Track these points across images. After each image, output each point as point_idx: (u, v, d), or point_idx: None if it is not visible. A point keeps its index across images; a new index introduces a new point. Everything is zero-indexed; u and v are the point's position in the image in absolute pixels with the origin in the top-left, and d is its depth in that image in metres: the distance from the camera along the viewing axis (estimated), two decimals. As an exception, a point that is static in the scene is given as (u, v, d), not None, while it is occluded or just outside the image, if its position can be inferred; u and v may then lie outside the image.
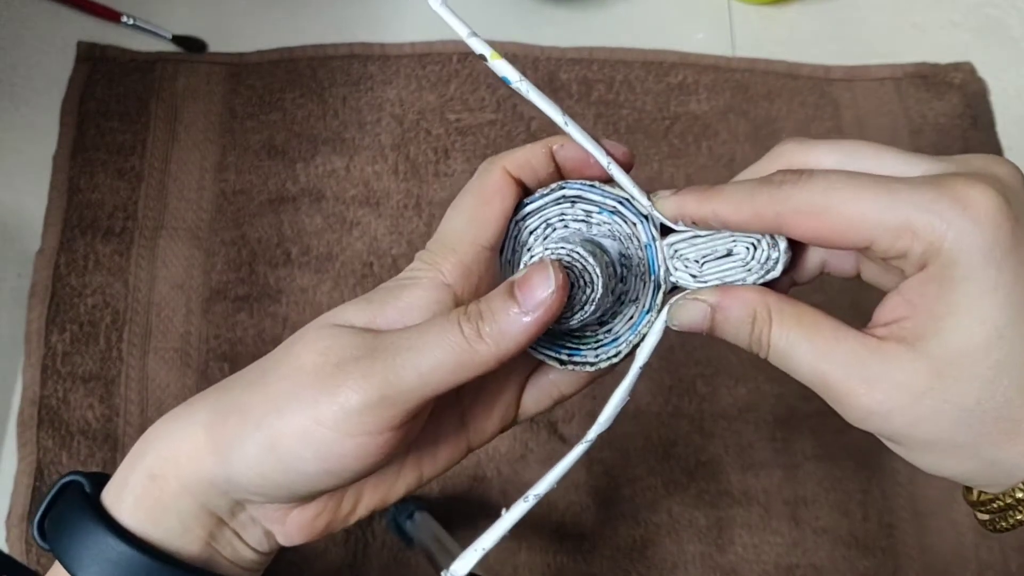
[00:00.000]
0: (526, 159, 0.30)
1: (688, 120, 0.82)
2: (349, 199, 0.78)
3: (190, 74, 0.81)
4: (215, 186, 0.78)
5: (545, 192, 0.30)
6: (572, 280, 0.27)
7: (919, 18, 0.90)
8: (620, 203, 0.30)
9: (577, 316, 0.28)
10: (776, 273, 0.28)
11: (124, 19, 0.81)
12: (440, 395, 0.27)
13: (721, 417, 0.74)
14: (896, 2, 0.90)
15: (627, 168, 0.30)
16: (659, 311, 0.30)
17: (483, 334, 0.26)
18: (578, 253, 0.28)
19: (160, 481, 0.29)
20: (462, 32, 0.29)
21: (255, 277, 0.75)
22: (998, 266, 0.23)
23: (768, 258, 0.28)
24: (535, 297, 0.26)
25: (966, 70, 0.86)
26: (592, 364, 0.30)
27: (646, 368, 0.30)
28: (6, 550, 0.65)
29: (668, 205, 0.29)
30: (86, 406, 0.70)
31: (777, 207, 0.25)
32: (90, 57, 0.80)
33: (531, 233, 0.30)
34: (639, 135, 0.82)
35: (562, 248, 0.28)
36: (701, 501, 0.72)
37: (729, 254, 0.29)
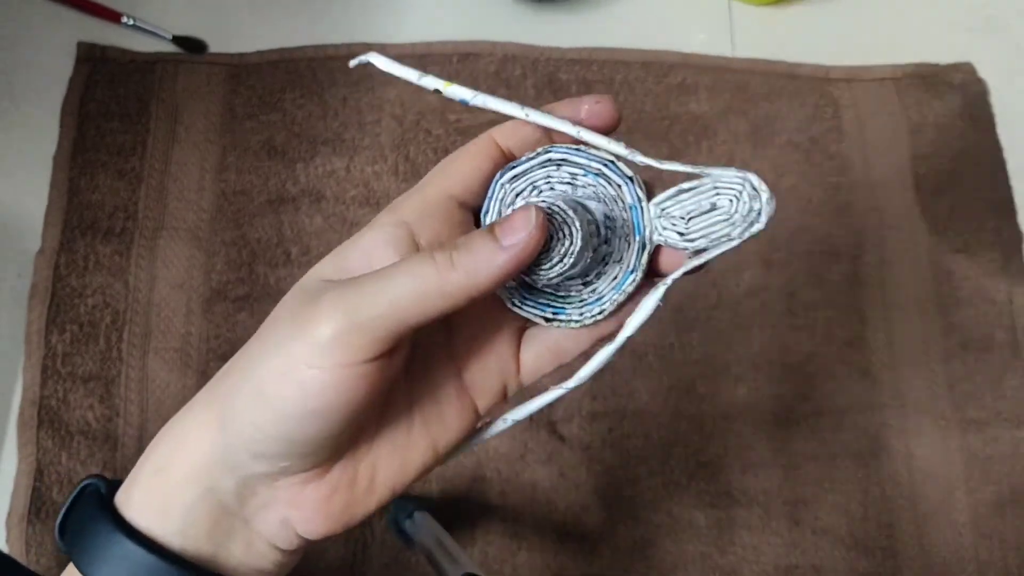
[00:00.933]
0: (514, 127, 0.30)
1: (688, 120, 0.82)
2: (349, 199, 0.78)
3: (190, 74, 0.81)
4: (215, 186, 0.78)
5: (531, 156, 0.31)
6: (551, 231, 0.28)
7: (919, 18, 0.90)
8: (605, 165, 0.30)
9: (556, 268, 0.28)
10: (761, 226, 0.28)
11: (124, 20, 0.81)
12: (416, 329, 0.27)
13: (721, 418, 0.74)
14: (896, 2, 0.90)
15: (612, 124, 0.30)
16: (643, 271, 0.30)
17: (455, 263, 0.26)
18: (558, 206, 0.28)
19: (165, 473, 0.29)
20: (411, 77, 0.30)
21: (255, 277, 0.75)
22: None
23: (751, 210, 0.28)
24: (514, 233, 0.27)
25: (966, 70, 0.86)
26: (577, 321, 0.31)
27: (634, 336, 0.30)
28: (6, 550, 0.65)
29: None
30: (86, 406, 0.70)
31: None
32: (90, 58, 0.80)
33: (518, 195, 0.31)
34: (639, 135, 0.82)
35: (544, 202, 0.29)
36: (701, 501, 0.72)
37: (713, 208, 0.29)
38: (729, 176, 0.28)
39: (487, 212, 0.31)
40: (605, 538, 0.71)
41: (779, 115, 0.83)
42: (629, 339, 0.30)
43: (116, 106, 0.79)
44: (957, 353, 0.78)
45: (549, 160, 0.31)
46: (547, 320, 0.31)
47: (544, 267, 0.29)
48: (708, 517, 0.72)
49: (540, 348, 0.33)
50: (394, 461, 0.31)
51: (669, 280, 0.29)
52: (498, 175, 0.31)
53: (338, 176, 0.78)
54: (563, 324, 0.31)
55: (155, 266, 0.75)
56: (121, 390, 0.71)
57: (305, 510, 0.29)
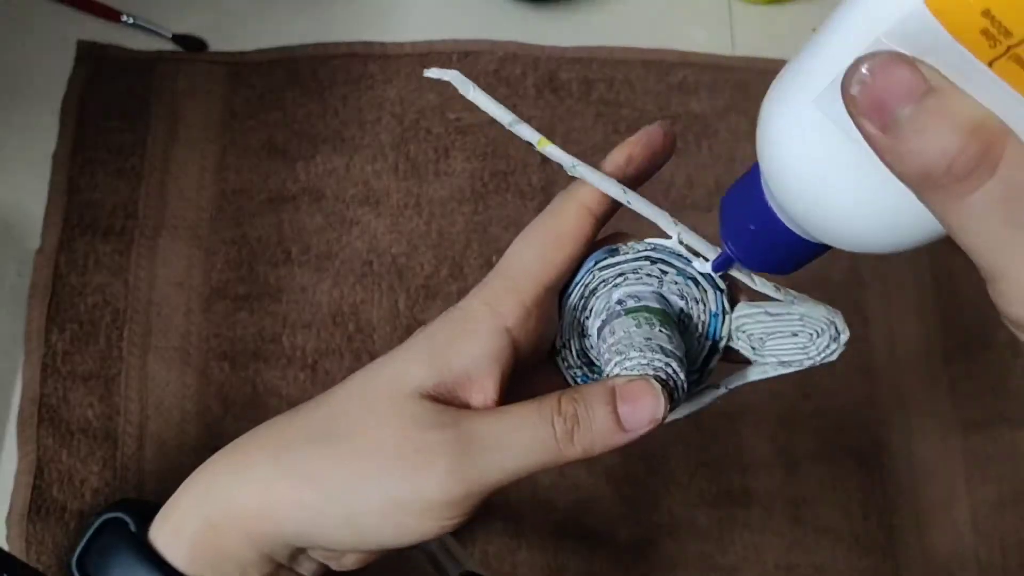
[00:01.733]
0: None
1: (688, 119, 0.82)
2: (349, 198, 0.78)
3: (190, 73, 0.81)
4: (215, 185, 0.78)
5: (630, 253, 0.30)
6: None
7: (920, 17, 0.90)
8: (703, 275, 0.30)
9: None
10: (833, 358, 0.29)
11: (124, 18, 0.81)
12: None
13: (722, 416, 0.74)
14: (897, 1, 0.90)
15: (668, 149, 0.30)
16: (707, 375, 0.31)
17: (575, 439, 0.26)
18: (672, 368, 0.27)
19: (222, 531, 0.28)
20: (504, 120, 0.30)
21: (255, 276, 0.75)
22: None
23: (827, 346, 0.29)
24: (639, 420, 0.26)
25: (967, 69, 0.86)
26: None
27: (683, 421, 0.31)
28: (6, 548, 0.65)
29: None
30: (86, 405, 0.70)
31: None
32: (90, 56, 0.80)
33: (604, 282, 0.30)
34: (639, 134, 0.82)
35: (659, 361, 0.27)
36: (702, 501, 0.72)
37: (793, 335, 0.29)
38: (818, 314, 0.29)
39: (570, 294, 0.30)
40: (605, 537, 0.71)
41: (780, 114, 0.83)
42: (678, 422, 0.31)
43: (116, 105, 0.79)
44: (958, 353, 0.78)
45: (648, 259, 0.30)
46: None
47: None
48: (708, 516, 0.72)
49: None
50: None
51: (723, 388, 0.31)
52: (592, 260, 0.30)
53: (338, 175, 0.78)
54: None
55: (155, 265, 0.75)
56: (121, 388, 0.71)
57: (345, 561, 0.30)
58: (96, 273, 0.74)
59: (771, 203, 0.25)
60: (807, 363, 0.29)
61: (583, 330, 0.30)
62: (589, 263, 0.30)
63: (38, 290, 0.73)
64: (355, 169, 0.79)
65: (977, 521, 0.73)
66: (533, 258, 0.29)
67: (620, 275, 0.30)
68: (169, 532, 0.29)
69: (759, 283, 0.29)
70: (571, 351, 0.30)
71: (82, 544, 0.29)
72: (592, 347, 0.30)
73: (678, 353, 0.28)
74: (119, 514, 0.29)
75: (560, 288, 0.30)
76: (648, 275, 0.30)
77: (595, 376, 0.31)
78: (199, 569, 0.28)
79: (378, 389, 0.27)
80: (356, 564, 0.30)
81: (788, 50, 0.96)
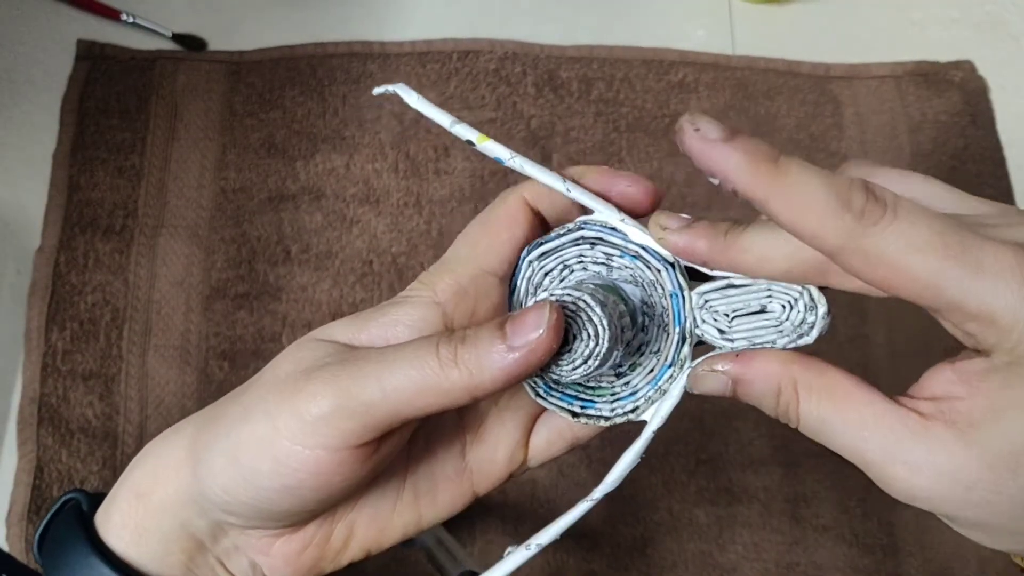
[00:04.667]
0: (546, 190, 0.28)
1: (688, 118, 0.82)
2: (349, 197, 0.78)
3: (190, 72, 0.81)
4: (215, 184, 0.78)
5: (562, 232, 0.28)
6: (575, 332, 0.25)
7: (919, 16, 0.90)
8: (644, 248, 0.28)
9: (580, 370, 0.26)
10: (810, 339, 0.26)
11: (124, 17, 0.81)
12: (409, 422, 0.25)
13: (721, 415, 0.74)
14: (896, 0, 0.90)
15: (655, 203, 0.28)
16: (682, 367, 0.28)
17: (459, 360, 0.24)
18: (585, 302, 0.25)
19: (144, 499, 0.28)
20: (444, 122, 0.28)
21: (255, 275, 0.75)
22: None
23: (803, 321, 0.26)
24: (524, 335, 0.24)
25: (966, 68, 0.86)
26: (607, 419, 0.28)
27: (661, 430, 0.28)
28: (6, 548, 0.65)
29: (674, 242, 0.26)
30: (86, 404, 0.70)
31: (842, 241, 0.22)
32: (90, 55, 0.80)
33: (547, 274, 0.29)
34: (639, 133, 0.82)
35: (569, 295, 0.26)
36: (701, 499, 0.72)
37: (762, 310, 0.26)
38: (787, 284, 0.26)
39: (515, 290, 0.29)
40: (605, 536, 0.71)
41: (779, 113, 0.83)
42: (655, 433, 0.28)
43: (116, 103, 0.79)
44: (957, 350, 0.78)
45: (582, 238, 0.28)
46: (574, 415, 0.28)
47: (565, 367, 0.26)
48: (708, 515, 0.72)
49: (553, 433, 0.30)
50: (373, 526, 0.29)
51: (695, 364, 0.27)
52: (526, 251, 0.28)
53: (338, 174, 0.78)
54: (591, 421, 0.28)
55: (155, 264, 0.75)
56: (121, 387, 0.71)
57: (274, 559, 0.28)
58: (96, 272, 0.74)
59: None
60: (781, 342, 0.26)
61: None
62: (524, 255, 0.28)
63: (38, 289, 0.73)
64: (355, 168, 0.79)
65: (977, 519, 0.73)
66: (466, 244, 0.28)
67: (563, 267, 0.28)
68: (104, 507, 0.29)
69: (719, 272, 0.27)
70: None
71: (41, 526, 0.29)
72: None
73: (600, 297, 0.26)
74: (76, 495, 0.29)
75: (506, 277, 0.28)
76: (594, 263, 0.28)
77: (559, 388, 0.28)
78: (125, 544, 0.28)
79: (298, 343, 0.28)
80: (288, 569, 0.28)
81: (788, 48, 0.96)
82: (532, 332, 0.24)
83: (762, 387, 0.25)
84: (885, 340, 0.77)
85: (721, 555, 0.71)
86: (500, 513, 0.71)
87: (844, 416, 0.24)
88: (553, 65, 0.83)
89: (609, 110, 0.82)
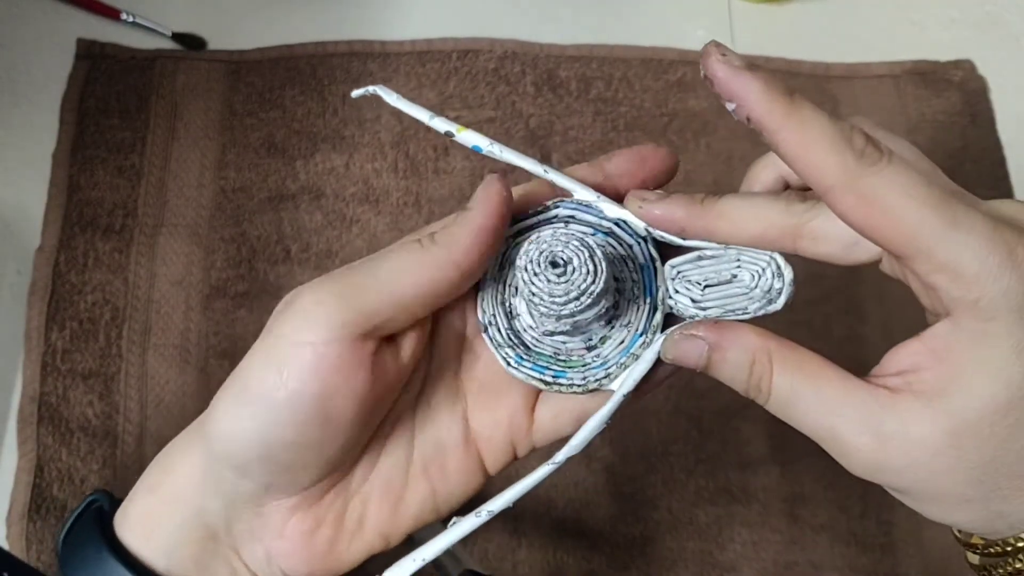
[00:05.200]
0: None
1: (687, 117, 0.82)
2: (349, 196, 0.78)
3: (190, 71, 0.81)
4: (215, 183, 0.78)
5: (538, 209, 0.29)
6: (575, 264, 0.26)
7: (919, 15, 0.90)
8: (616, 224, 0.29)
9: (571, 305, 0.26)
10: (778, 306, 0.28)
11: (124, 16, 0.81)
12: (406, 318, 0.27)
13: (719, 414, 0.74)
14: (896, 0, 0.91)
15: (670, 174, 0.30)
16: (654, 334, 0.28)
17: (437, 240, 0.27)
18: (588, 244, 0.26)
19: (156, 491, 0.28)
20: (423, 117, 0.29)
21: (255, 274, 0.75)
22: None
23: (771, 287, 0.27)
24: (484, 200, 0.27)
25: (966, 67, 0.86)
26: (580, 385, 0.29)
27: (629, 397, 0.28)
28: (6, 546, 0.65)
29: (653, 211, 0.28)
30: (86, 403, 0.70)
31: (841, 177, 0.23)
32: (90, 54, 0.80)
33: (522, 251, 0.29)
34: (637, 132, 0.82)
35: (576, 235, 0.27)
36: (700, 498, 0.72)
37: (733, 279, 0.28)
38: (755, 250, 0.27)
39: (493, 268, 0.30)
40: (604, 535, 0.71)
41: (779, 112, 0.83)
42: (626, 398, 0.28)
43: (116, 103, 0.79)
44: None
45: (556, 217, 0.29)
46: (546, 384, 0.29)
47: (559, 298, 0.26)
48: (707, 514, 0.72)
49: (559, 407, 0.31)
50: (387, 502, 0.29)
51: (672, 331, 0.27)
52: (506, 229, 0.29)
53: (338, 173, 0.78)
54: (564, 389, 0.29)
55: (155, 263, 0.75)
56: (121, 387, 0.71)
57: (289, 541, 0.28)
58: (96, 271, 0.74)
59: None
60: (752, 308, 0.27)
61: (510, 310, 0.30)
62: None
63: (38, 288, 0.73)
64: (355, 167, 0.79)
65: (975, 518, 0.73)
66: (442, 234, 0.30)
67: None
68: (123, 506, 0.29)
69: (690, 242, 0.28)
70: (499, 329, 0.29)
71: (65, 526, 0.30)
72: (524, 328, 0.29)
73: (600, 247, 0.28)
74: (99, 495, 0.30)
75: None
76: None
77: (530, 358, 0.29)
78: (137, 540, 0.28)
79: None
80: (305, 553, 0.28)
81: (787, 48, 0.96)
82: (492, 193, 0.27)
83: (737, 356, 0.26)
84: (882, 340, 0.77)
85: (720, 554, 0.71)
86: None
87: (817, 390, 0.25)
88: (552, 64, 0.83)
89: (608, 109, 0.82)
